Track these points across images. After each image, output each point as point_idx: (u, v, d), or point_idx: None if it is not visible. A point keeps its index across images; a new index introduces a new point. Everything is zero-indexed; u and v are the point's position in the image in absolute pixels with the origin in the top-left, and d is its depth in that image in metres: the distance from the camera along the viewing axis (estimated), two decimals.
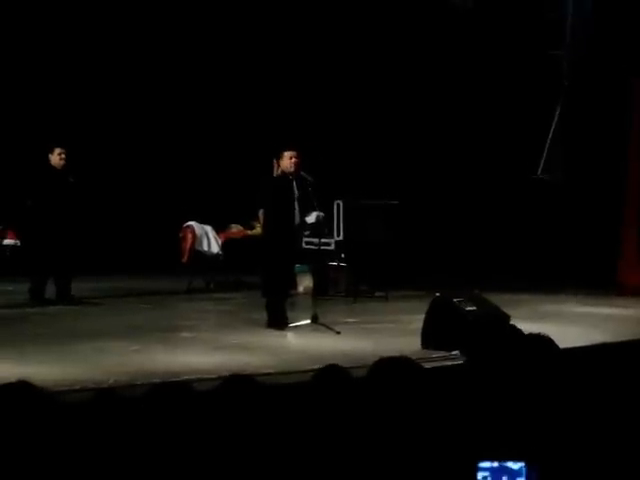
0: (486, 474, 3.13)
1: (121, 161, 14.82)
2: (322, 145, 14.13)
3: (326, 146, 14.56)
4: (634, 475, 3.40)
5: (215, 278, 13.71)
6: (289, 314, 10.12)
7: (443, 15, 15.27)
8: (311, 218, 12.21)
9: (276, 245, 9.97)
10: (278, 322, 9.92)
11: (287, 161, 10.08)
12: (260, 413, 3.28)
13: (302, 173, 10.15)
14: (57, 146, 11.34)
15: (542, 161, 14.82)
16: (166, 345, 8.66)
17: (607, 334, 9.56)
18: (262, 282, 10.42)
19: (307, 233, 11.81)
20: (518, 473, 3.14)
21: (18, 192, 11.44)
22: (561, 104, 14.90)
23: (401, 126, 15.70)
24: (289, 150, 10.10)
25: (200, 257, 13.49)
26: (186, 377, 6.60)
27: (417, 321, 9.05)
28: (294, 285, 11.88)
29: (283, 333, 9.74)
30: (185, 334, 9.47)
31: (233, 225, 14.05)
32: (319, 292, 11.62)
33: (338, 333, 9.53)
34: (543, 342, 3.65)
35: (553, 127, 14.86)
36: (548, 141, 14.84)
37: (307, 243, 11.92)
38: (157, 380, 6.10)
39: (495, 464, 3.14)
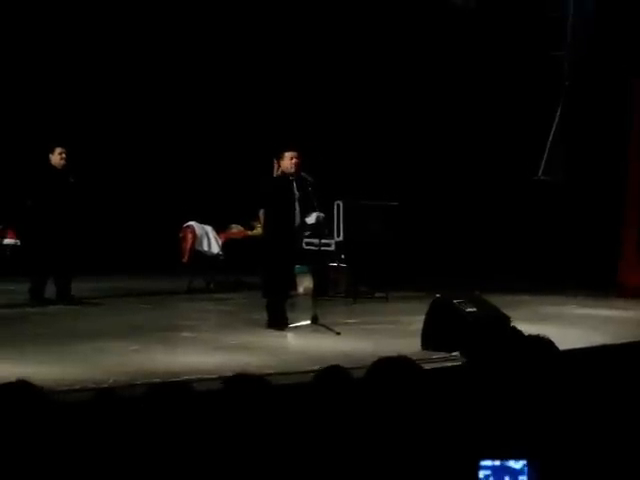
0: (488, 473, 3.13)
1: (121, 161, 14.80)
2: (322, 145, 14.12)
3: (326, 146, 14.56)
4: (634, 475, 3.40)
5: (215, 278, 13.69)
6: (289, 315, 10.11)
7: (445, 15, 15.28)
8: (311, 219, 12.20)
9: (276, 245, 9.96)
10: (278, 322, 9.91)
11: (287, 161, 10.07)
12: (265, 413, 3.28)
13: (302, 173, 10.13)
14: (58, 146, 11.32)
15: (543, 162, 14.81)
16: (166, 345, 8.65)
17: (607, 336, 9.57)
18: (262, 282, 10.41)
19: (307, 234, 11.80)
20: (520, 472, 3.13)
21: (18, 192, 11.42)
22: (562, 104, 14.90)
23: (402, 126, 15.70)
24: (289, 150, 10.09)
25: (200, 257, 13.48)
26: (186, 377, 6.58)
27: (417, 322, 9.04)
28: (294, 286, 11.86)
29: (283, 333, 9.73)
30: (185, 334, 9.46)
31: (233, 225, 14.04)
32: (319, 293, 11.61)
33: (338, 334, 9.52)
34: (543, 343, 3.65)
35: (554, 128, 14.86)
36: (549, 142, 14.84)
37: (307, 244, 11.90)
38: (157, 380, 6.10)
39: (497, 463, 3.14)
